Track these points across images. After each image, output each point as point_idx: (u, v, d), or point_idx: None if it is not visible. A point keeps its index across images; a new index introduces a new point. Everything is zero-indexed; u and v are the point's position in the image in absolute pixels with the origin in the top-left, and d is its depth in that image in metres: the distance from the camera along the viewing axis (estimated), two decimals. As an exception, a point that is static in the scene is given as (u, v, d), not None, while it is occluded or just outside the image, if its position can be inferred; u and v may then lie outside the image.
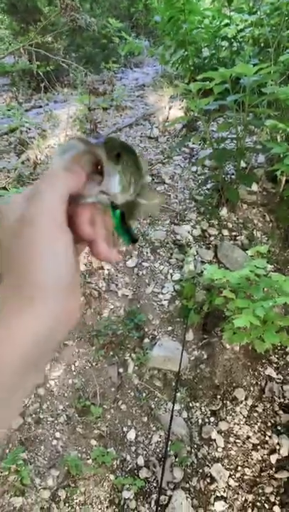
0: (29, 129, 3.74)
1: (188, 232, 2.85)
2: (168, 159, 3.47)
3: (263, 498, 2.02)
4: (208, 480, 2.04)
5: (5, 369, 0.34)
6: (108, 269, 2.60)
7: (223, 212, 3.01)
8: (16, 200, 0.40)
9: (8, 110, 3.98)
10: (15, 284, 0.36)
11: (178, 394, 2.28)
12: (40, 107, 4.56)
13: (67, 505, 1.80)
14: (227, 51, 4.05)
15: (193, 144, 3.64)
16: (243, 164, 3.13)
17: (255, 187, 3.21)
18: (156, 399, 2.23)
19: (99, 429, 2.04)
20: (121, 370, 2.24)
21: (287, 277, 1.99)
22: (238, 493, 2.02)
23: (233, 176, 3.16)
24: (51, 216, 0.39)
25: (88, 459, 1.94)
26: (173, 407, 1.95)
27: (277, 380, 2.49)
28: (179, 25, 3.59)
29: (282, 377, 2.51)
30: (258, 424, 2.29)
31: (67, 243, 0.39)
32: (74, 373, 2.18)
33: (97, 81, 5.10)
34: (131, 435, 2.07)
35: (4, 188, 2.51)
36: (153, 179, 3.26)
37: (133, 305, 2.46)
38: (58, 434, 1.99)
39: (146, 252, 2.71)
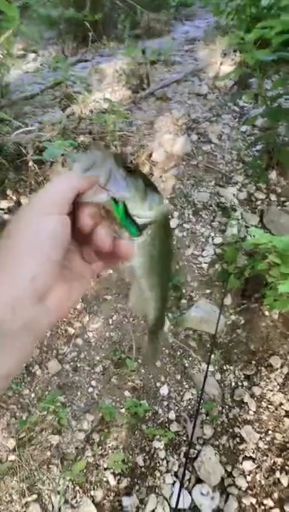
0: (74, 83, 3.66)
1: (234, 194, 2.74)
2: (216, 117, 3.29)
3: (292, 462, 2.03)
4: (237, 440, 2.07)
5: None
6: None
7: (273, 175, 2.86)
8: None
9: (55, 63, 3.91)
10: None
11: (212, 356, 2.28)
12: (87, 60, 4.44)
13: (100, 447, 1.89)
14: (289, -1, 3.68)
15: (244, 102, 3.42)
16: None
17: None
18: (190, 358, 2.25)
19: (133, 382, 2.10)
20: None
21: None
22: (267, 456, 2.04)
23: (286, 138, 2.96)
24: (56, 197, 0.43)
25: (121, 408, 2.01)
26: (208, 367, 1.96)
27: (316, 351, 2.42)
28: None
29: None
30: (293, 392, 2.26)
31: (63, 223, 0.42)
32: (111, 327, 2.22)
33: (153, 20, 4.85)
34: (164, 390, 2.12)
35: (49, 141, 2.49)
36: (199, 138, 3.12)
37: (173, 266, 2.43)
38: (93, 383, 2.07)
39: (188, 214, 2.64)
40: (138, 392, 2.09)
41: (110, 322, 2.25)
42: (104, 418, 1.96)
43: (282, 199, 2.78)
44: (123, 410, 2.01)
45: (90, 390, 2.05)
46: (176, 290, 2.34)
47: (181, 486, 1.82)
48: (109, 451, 1.89)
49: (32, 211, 0.42)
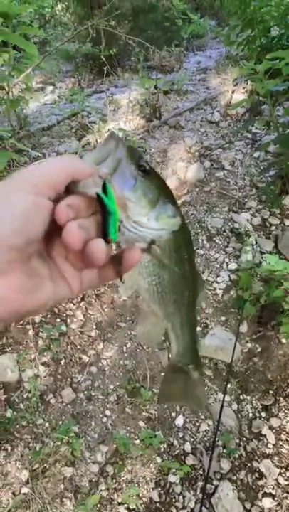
0: (90, 113, 3.79)
1: (248, 220, 2.74)
2: (229, 144, 3.35)
3: (315, 500, 1.93)
4: (256, 475, 1.99)
5: None
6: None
7: (287, 201, 2.86)
8: None
9: (71, 95, 4.06)
10: None
11: (229, 385, 2.23)
12: (102, 91, 4.61)
13: (114, 481, 1.85)
14: (299, 29, 3.78)
15: (257, 128, 3.48)
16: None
17: None
18: (206, 388, 2.20)
19: (147, 412, 2.06)
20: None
21: None
22: (287, 492, 1.95)
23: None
24: (43, 177, 0.37)
25: (136, 439, 1.97)
26: (224, 397, 1.91)
27: None
28: (247, 3, 3.40)
29: None
30: (313, 424, 2.18)
31: (38, 207, 0.36)
32: (126, 355, 2.21)
33: (164, 58, 5.03)
34: (179, 421, 2.07)
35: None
36: (212, 165, 3.16)
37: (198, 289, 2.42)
38: (108, 412, 2.04)
39: (202, 240, 2.65)
40: (153, 422, 2.05)
41: (124, 350, 2.24)
42: (119, 450, 1.92)
43: (296, 224, 2.77)
44: (137, 441, 1.97)
45: (104, 419, 2.02)
46: (191, 317, 2.32)
47: (198, 523, 1.75)
48: (124, 484, 1.84)
49: (11, 185, 0.37)
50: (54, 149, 3.18)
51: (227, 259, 2.54)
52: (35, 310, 0.39)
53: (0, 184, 0.37)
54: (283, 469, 2.03)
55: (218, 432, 2.05)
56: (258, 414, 2.19)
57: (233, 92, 4.01)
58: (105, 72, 4.22)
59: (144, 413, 2.06)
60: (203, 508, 1.83)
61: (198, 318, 2.36)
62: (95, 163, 0.40)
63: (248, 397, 2.24)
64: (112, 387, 2.11)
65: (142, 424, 2.03)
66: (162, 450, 1.97)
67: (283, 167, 2.86)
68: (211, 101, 4.18)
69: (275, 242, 2.65)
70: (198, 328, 2.31)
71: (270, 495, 1.94)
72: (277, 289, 2.09)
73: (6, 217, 0.35)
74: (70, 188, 0.38)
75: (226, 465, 1.98)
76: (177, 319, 0.51)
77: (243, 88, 4.02)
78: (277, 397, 2.26)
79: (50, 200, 0.37)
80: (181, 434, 2.04)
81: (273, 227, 2.73)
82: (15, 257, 0.36)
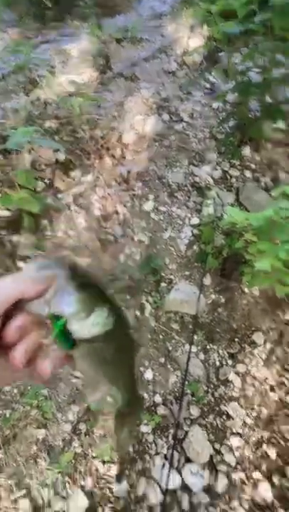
0: (38, 66, 3.50)
1: (208, 173, 2.70)
2: (187, 95, 3.22)
3: (279, 435, 2.07)
4: (224, 417, 2.09)
5: None
6: (124, 214, 2.52)
7: (246, 151, 2.82)
8: None
9: (16, 47, 3.72)
10: None
11: (195, 336, 2.28)
12: (49, 42, 4.25)
13: (87, 437, 1.88)
14: None
15: (215, 78, 3.35)
16: (268, 99, 2.87)
17: (281, 124, 2.97)
18: (173, 341, 2.24)
19: (117, 369, 2.08)
20: (138, 313, 2.24)
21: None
22: (253, 430, 2.07)
23: (257, 113, 2.92)
24: None
25: (106, 396, 2.00)
26: (190, 348, 1.95)
27: (297, 325, 2.45)
28: None
29: (302, 322, 2.47)
30: (277, 367, 2.29)
31: None
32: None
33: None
34: (148, 375, 2.11)
35: (14, 129, 2.39)
36: (171, 117, 3.05)
37: (150, 250, 2.40)
38: (77, 373, 2.04)
39: (163, 196, 2.60)
40: (123, 378, 2.07)
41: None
42: (90, 408, 1.94)
43: (256, 175, 2.76)
44: (109, 398, 1.99)
45: (74, 380, 2.03)
46: (155, 274, 2.31)
47: (171, 466, 1.84)
48: (97, 440, 1.88)
49: None
50: (0, 106, 2.94)
51: (189, 215, 2.51)
52: None
53: None
54: (249, 410, 2.14)
55: (187, 382, 2.12)
56: (224, 362, 2.27)
57: (189, 39, 3.82)
58: (50, 18, 3.87)
59: (113, 371, 2.08)
60: (175, 452, 1.92)
61: (163, 274, 2.36)
62: (34, 278, 0.46)
63: (215, 347, 2.31)
64: (79, 348, 2.10)
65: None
66: (133, 404, 2.01)
67: (242, 117, 2.80)
68: (167, 49, 3.97)
69: (237, 194, 2.64)
70: (164, 284, 2.31)
71: (238, 434, 2.06)
72: (239, 241, 2.10)
73: None
74: (19, 305, 0.45)
75: (195, 411, 2.06)
76: (119, 383, 0.60)
77: (200, 34, 3.83)
78: (243, 345, 2.35)
79: None
80: (151, 387, 2.09)
81: (234, 180, 2.71)
82: None
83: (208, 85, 3.33)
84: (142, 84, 3.40)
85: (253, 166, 2.80)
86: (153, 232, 2.46)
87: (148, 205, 2.54)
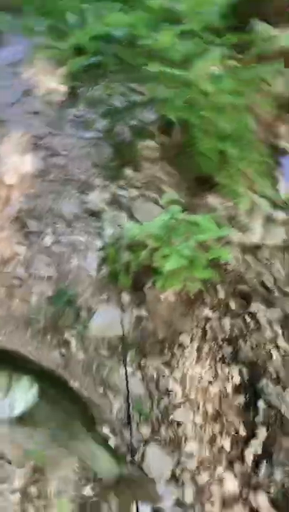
0: None
1: (99, 198, 2.77)
2: (58, 130, 3.30)
3: (228, 425, 2.14)
4: (175, 426, 2.09)
5: None
6: (24, 254, 2.42)
7: (128, 172, 2.98)
8: None
9: None
10: None
11: (128, 357, 2.26)
12: None
13: (41, 499, 1.69)
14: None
15: (80, 110, 3.50)
16: (134, 122, 3.11)
17: (152, 143, 3.22)
18: (106, 368, 2.18)
19: (56, 415, 1.94)
20: (64, 350, 2.14)
21: (204, 216, 2.05)
22: (205, 428, 2.11)
23: (127, 135, 3.13)
24: None
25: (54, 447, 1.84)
26: (126, 370, 1.92)
27: (215, 318, 2.61)
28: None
29: (218, 315, 2.64)
30: (208, 361, 2.39)
31: None
32: (14, 368, 2.01)
33: None
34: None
35: None
36: (47, 153, 3.08)
37: (60, 283, 2.34)
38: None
39: (61, 227, 2.58)
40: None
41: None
42: (38, 466, 1.76)
43: (143, 191, 2.93)
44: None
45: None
46: (72, 306, 2.25)
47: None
48: (52, 498, 1.71)
49: None
50: None
51: (91, 240, 2.53)
52: None
53: None
54: (195, 410, 2.18)
55: (130, 403, 2.07)
56: (161, 373, 2.29)
57: (49, 79, 3.94)
58: None
59: (52, 418, 1.93)
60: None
61: (80, 304, 2.31)
62: None
63: (148, 361, 2.31)
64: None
65: (54, 429, 1.89)
66: (82, 445, 1.88)
67: (116, 142, 2.98)
68: (30, 92, 4.03)
69: (130, 212, 2.75)
70: (84, 313, 2.26)
71: (192, 437, 2.07)
72: (142, 252, 2.19)
73: None
74: None
75: (146, 430, 2.02)
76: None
77: (59, 73, 3.99)
78: (173, 351, 2.40)
79: None
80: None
81: (124, 199, 2.83)
82: None
83: (76, 118, 3.47)
84: (11, 127, 3.38)
85: (137, 184, 2.96)
86: (59, 264, 2.41)
87: (47, 240, 2.49)
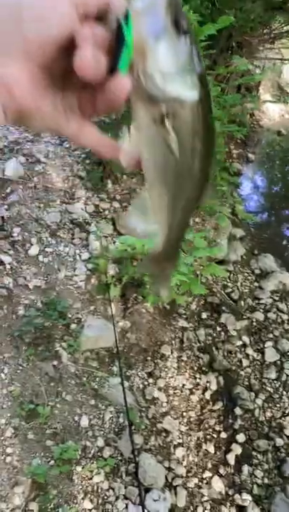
0: None
1: (83, 209, 2.79)
2: (36, 137, 3.24)
3: (211, 430, 2.28)
4: (163, 434, 2.18)
5: None
6: (10, 263, 2.35)
7: (109, 185, 3.04)
8: None
9: None
10: None
11: (114, 368, 2.30)
12: None
13: (43, 514, 1.68)
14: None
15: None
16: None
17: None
18: (97, 379, 2.21)
19: (51, 428, 1.93)
20: (55, 362, 2.12)
21: (197, 234, 2.19)
22: (190, 435, 2.23)
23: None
24: None
25: (50, 460, 1.83)
26: (122, 381, 1.97)
27: (190, 328, 2.76)
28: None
29: (192, 325, 2.79)
30: (188, 370, 2.53)
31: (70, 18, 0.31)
32: (7, 381, 1.96)
33: None
34: (84, 422, 2.02)
35: None
36: (27, 159, 3.01)
37: (49, 294, 2.31)
38: (9, 450, 1.80)
39: (46, 237, 2.55)
40: (60, 436, 1.93)
41: (3, 377, 1.98)
42: (36, 481, 1.74)
43: (124, 204, 2.99)
44: (52, 462, 1.83)
45: (8, 459, 1.77)
46: (62, 317, 2.24)
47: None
48: (55, 511, 1.70)
49: None
50: None
51: (78, 251, 2.54)
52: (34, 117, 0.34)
53: None
54: (180, 418, 2.29)
55: (121, 414, 2.12)
56: (146, 383, 2.37)
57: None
58: None
59: (48, 431, 1.91)
60: (133, 487, 1.89)
61: (70, 316, 2.31)
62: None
63: (134, 371, 2.38)
64: (3, 421, 1.86)
65: (49, 443, 1.88)
66: (79, 457, 1.89)
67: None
68: None
69: (113, 224, 2.81)
70: (74, 325, 2.26)
71: (179, 444, 2.17)
72: (133, 266, 2.26)
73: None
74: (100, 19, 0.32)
75: (138, 440, 2.08)
76: (171, 216, 0.46)
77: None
78: (155, 361, 2.49)
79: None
80: (90, 433, 2.01)
81: (107, 211, 2.87)
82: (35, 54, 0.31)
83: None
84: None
85: (118, 197, 3.03)
86: (47, 275, 2.38)
87: (33, 249, 2.45)
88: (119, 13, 0.32)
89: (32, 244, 2.47)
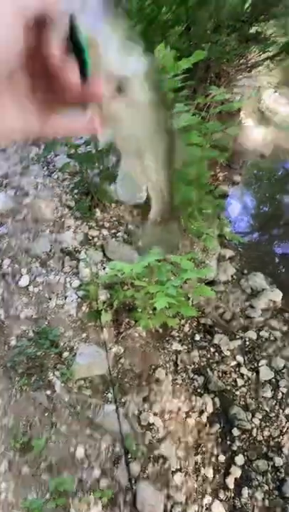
0: None
1: (72, 238, 2.84)
2: (25, 169, 3.34)
3: (208, 454, 2.26)
4: (161, 460, 2.15)
5: None
6: (0, 295, 2.38)
7: (98, 214, 3.11)
8: None
9: None
10: None
11: (109, 395, 2.30)
12: None
13: None
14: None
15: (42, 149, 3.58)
16: (101, 166, 3.27)
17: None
18: (91, 407, 2.20)
19: (46, 461, 1.90)
20: (48, 392, 2.12)
21: (183, 256, 2.24)
22: (188, 460, 2.20)
23: (96, 179, 3.27)
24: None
25: (46, 493, 1.80)
26: (118, 409, 1.96)
27: (184, 351, 2.77)
28: None
29: (186, 347, 2.80)
30: (183, 393, 2.52)
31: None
32: (0, 413, 1.95)
33: None
34: (80, 452, 2.00)
35: None
36: (16, 192, 3.09)
37: (41, 323, 2.33)
38: (3, 485, 1.77)
39: (36, 267, 2.59)
40: (55, 468, 1.90)
41: (-3, 409, 1.97)
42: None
43: (112, 231, 3.06)
44: (48, 496, 1.80)
45: (3, 496, 1.74)
46: (54, 346, 2.25)
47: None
48: None
49: None
50: None
51: (68, 279, 2.57)
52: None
53: None
54: (177, 443, 2.27)
55: (119, 442, 2.10)
56: (141, 409, 2.35)
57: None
58: None
59: (43, 464, 1.89)
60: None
61: (62, 344, 2.32)
62: None
63: (129, 397, 2.37)
64: (-3, 456, 1.83)
65: (45, 476, 1.85)
66: (76, 490, 1.86)
67: (87, 184, 3.10)
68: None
69: (103, 251, 2.86)
70: (66, 354, 2.27)
71: (177, 470, 2.14)
72: (126, 291, 2.30)
73: None
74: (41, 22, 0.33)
75: (135, 468, 2.05)
76: (157, 172, 0.49)
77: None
78: (150, 385, 2.49)
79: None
80: (86, 464, 1.98)
81: (96, 239, 2.93)
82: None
83: (42, 158, 3.54)
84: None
85: (107, 224, 3.09)
86: (38, 304, 2.41)
87: (24, 280, 2.48)
88: (65, 20, 0.33)
89: (22, 275, 2.51)
